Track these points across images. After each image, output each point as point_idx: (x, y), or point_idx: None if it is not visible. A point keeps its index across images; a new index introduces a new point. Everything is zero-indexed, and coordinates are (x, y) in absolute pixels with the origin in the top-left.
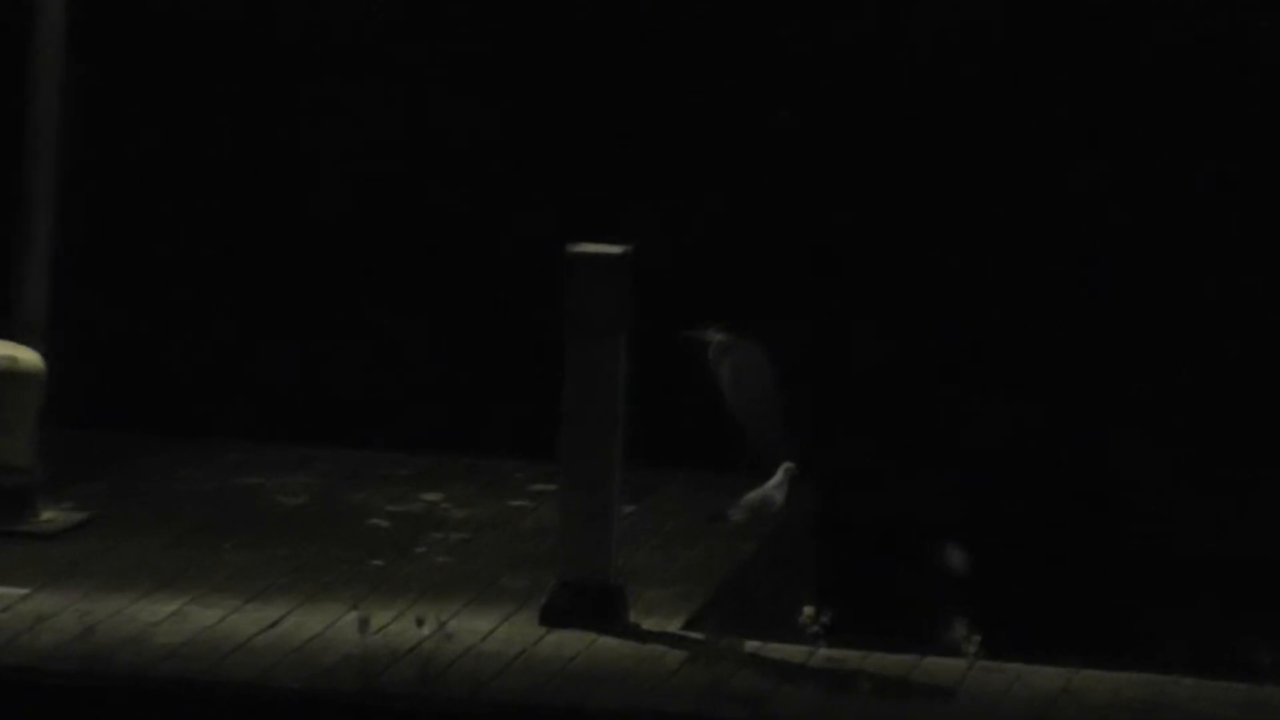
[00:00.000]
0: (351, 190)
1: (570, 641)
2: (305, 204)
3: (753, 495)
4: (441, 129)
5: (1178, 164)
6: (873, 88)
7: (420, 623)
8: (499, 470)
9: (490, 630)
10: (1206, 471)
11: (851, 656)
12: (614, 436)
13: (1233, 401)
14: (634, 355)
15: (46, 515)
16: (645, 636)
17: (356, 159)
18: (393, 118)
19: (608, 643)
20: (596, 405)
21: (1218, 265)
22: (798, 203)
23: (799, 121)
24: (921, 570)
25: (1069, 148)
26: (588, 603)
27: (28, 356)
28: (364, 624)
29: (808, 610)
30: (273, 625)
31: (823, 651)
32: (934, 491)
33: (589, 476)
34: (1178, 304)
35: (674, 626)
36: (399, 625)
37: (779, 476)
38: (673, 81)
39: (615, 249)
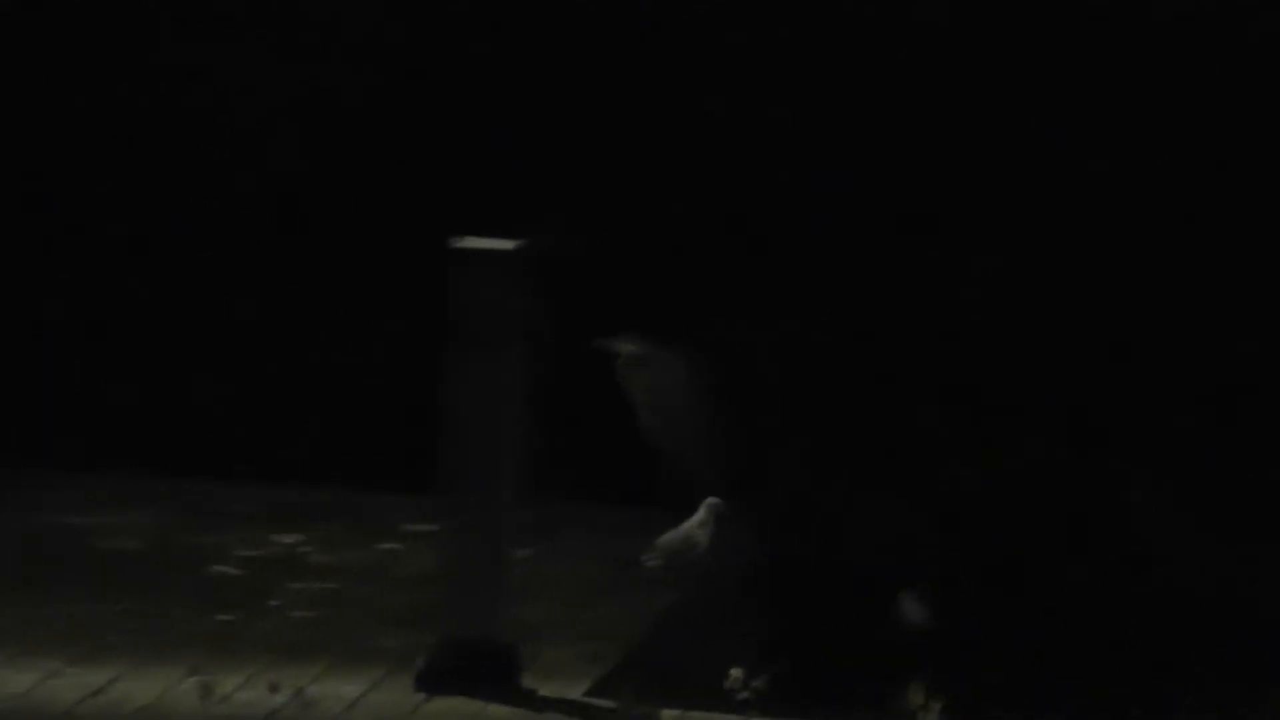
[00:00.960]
0: (203, 186)
1: (453, 711)
2: (143, 201)
3: (672, 536)
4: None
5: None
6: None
7: (274, 689)
8: (370, 507)
9: (358, 697)
10: (1228, 511)
11: None
12: (508, 466)
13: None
14: (534, 371)
15: None
16: (543, 705)
17: (212, 155)
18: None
19: (498, 712)
20: (486, 429)
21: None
22: (732, 191)
23: (725, 109)
24: (874, 624)
25: (1088, 138)
26: (474, 664)
27: None
28: (206, 690)
29: (735, 673)
30: (98, 692)
31: None
32: (893, 531)
33: (477, 514)
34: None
35: (577, 692)
36: (248, 692)
37: (702, 514)
38: (595, 55)
39: (509, 243)
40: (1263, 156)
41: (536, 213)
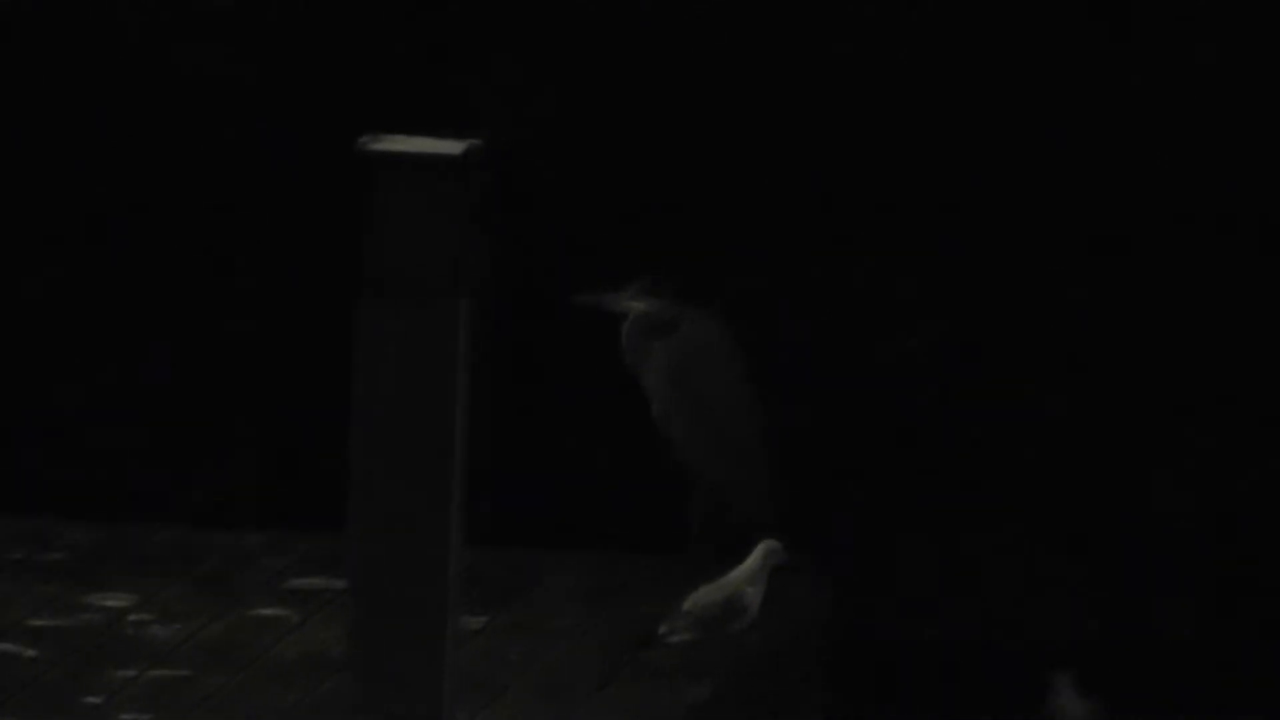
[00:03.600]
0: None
1: None
2: None
3: (708, 594)
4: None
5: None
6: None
7: None
8: (236, 553)
9: None
10: None
11: None
12: (447, 489)
13: None
14: (489, 341)
15: None
16: None
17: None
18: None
19: None
20: (415, 432)
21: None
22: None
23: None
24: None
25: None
26: None
27: None
28: None
29: None
30: None
31: None
32: (1040, 590)
33: (403, 565)
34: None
35: None
36: None
37: (754, 560)
38: None
39: (453, 146)
40: None
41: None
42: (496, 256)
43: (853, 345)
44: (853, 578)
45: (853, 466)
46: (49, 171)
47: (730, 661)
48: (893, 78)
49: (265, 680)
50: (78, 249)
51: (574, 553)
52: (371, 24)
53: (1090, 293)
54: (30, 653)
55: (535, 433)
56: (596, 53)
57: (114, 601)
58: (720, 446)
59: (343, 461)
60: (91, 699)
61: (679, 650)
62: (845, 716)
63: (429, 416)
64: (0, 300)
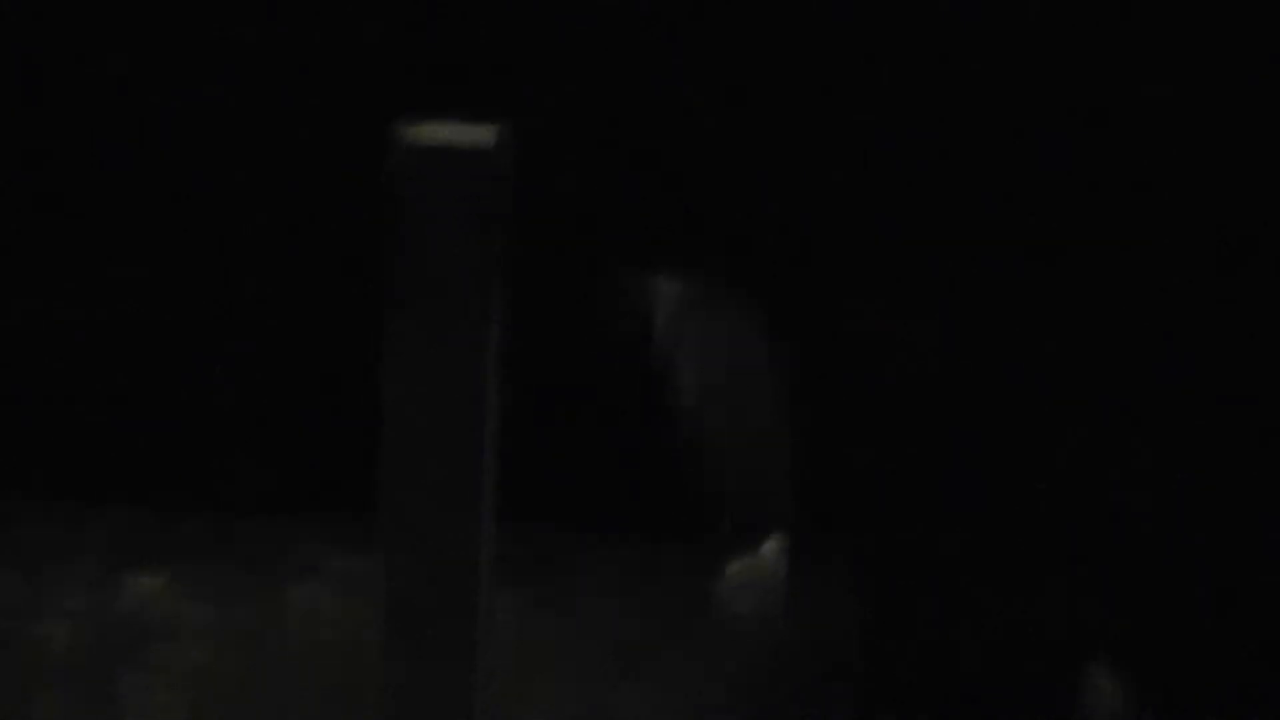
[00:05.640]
0: None
1: None
2: None
3: (741, 572)
4: None
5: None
6: None
7: None
8: (272, 535)
9: None
10: None
11: None
12: (480, 468)
13: None
14: (515, 334)
15: None
16: None
17: None
18: None
19: None
20: (445, 422)
21: None
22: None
23: None
24: None
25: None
26: None
27: None
28: None
29: None
30: None
31: None
32: (1071, 581)
33: (435, 545)
34: None
35: None
36: None
37: (773, 549)
38: None
39: (485, 133)
40: None
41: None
42: (526, 232)
43: (872, 332)
44: (877, 570)
45: (876, 458)
46: (68, 135)
47: (764, 643)
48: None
49: (300, 662)
50: (120, 234)
51: (606, 535)
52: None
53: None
54: (65, 634)
55: (566, 416)
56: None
57: (149, 583)
58: (744, 433)
59: (376, 442)
60: (127, 680)
61: (713, 630)
62: (879, 696)
63: (461, 400)
64: (35, 279)
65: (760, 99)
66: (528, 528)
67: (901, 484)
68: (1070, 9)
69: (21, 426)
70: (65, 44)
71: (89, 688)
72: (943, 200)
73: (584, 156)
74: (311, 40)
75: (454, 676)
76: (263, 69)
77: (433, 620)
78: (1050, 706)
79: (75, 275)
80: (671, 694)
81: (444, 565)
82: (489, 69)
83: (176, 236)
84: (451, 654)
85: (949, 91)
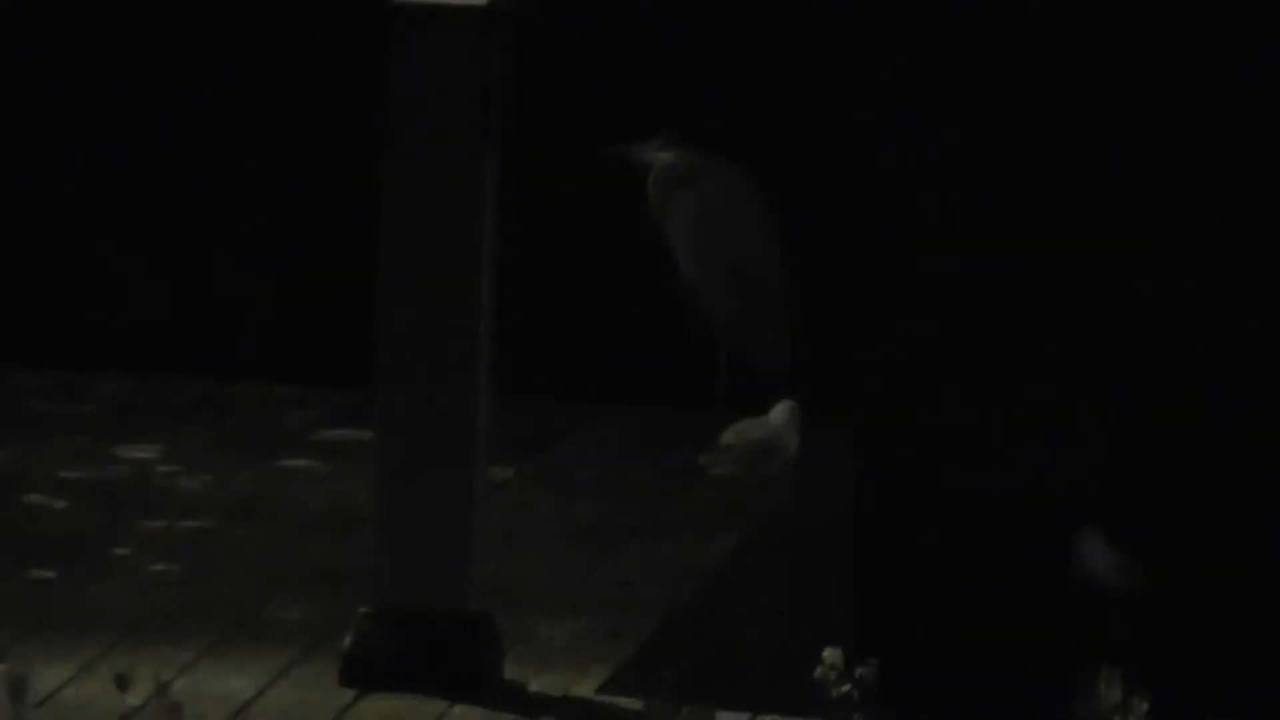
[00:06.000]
0: None
1: (397, 716)
2: None
3: (749, 430)
4: None
5: None
6: None
7: (123, 684)
8: (264, 404)
9: (252, 696)
10: None
11: None
12: (475, 344)
13: None
14: (513, 198)
15: None
16: (534, 706)
17: None
18: None
19: (466, 716)
20: (442, 286)
21: None
22: None
23: None
24: (1038, 584)
25: None
26: (428, 646)
27: None
28: (16, 687)
29: (829, 656)
30: None
31: None
32: (1064, 450)
33: (429, 418)
34: None
35: (588, 688)
36: (80, 688)
37: (780, 415)
38: None
39: None
40: None
41: None
42: (523, 112)
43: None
44: (878, 431)
45: (877, 323)
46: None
47: (761, 512)
48: None
49: (293, 532)
50: (128, 114)
51: (602, 406)
52: None
53: None
54: (59, 504)
55: (564, 287)
56: None
57: (142, 453)
58: (742, 299)
59: (371, 313)
60: (120, 550)
61: (709, 500)
62: (879, 574)
63: (456, 268)
64: (35, 156)
65: None
66: (527, 400)
67: (903, 350)
68: (1070, 9)
69: (11, 297)
70: None
71: (84, 558)
72: (938, 36)
73: (580, 25)
74: None
75: (449, 545)
76: None
77: (428, 489)
78: (1047, 565)
79: (68, 149)
80: (645, 565)
81: (439, 435)
82: None
83: (173, 114)
84: (447, 524)
85: None
